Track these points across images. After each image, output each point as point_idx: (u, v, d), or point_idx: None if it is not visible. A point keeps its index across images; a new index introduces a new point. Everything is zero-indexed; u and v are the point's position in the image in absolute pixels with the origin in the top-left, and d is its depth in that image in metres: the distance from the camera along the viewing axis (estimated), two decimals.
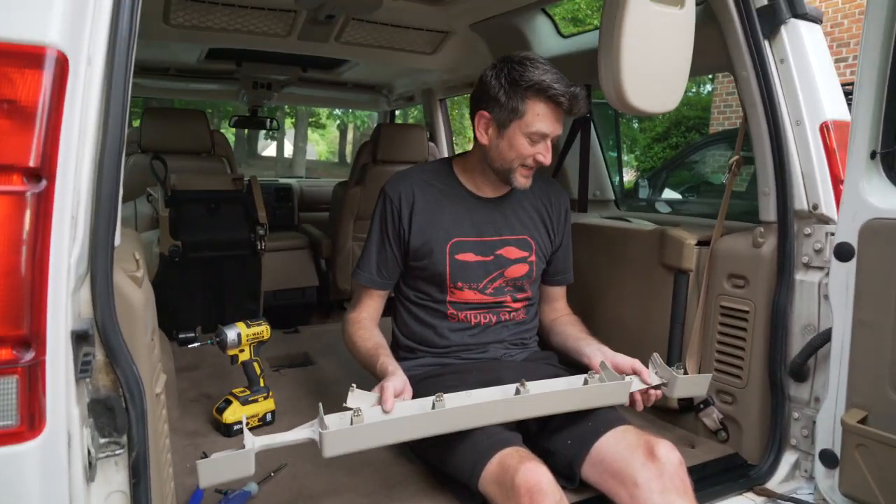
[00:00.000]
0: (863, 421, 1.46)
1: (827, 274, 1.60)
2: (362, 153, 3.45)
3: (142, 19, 2.62)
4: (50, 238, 0.82)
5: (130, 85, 0.95)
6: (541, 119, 1.55)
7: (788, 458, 1.72)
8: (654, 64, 1.54)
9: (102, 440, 0.94)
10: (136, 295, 1.03)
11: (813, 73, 1.62)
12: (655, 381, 1.55)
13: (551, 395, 1.45)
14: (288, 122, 18.61)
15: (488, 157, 1.65)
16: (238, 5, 2.45)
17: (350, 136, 22.04)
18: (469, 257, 1.69)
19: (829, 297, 1.55)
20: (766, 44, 1.65)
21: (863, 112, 1.42)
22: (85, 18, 0.87)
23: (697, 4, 1.80)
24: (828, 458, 1.56)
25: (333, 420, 1.28)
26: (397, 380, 1.43)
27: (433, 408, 1.33)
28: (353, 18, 2.65)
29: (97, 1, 0.89)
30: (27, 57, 0.80)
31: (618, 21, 1.50)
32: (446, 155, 4.15)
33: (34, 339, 0.82)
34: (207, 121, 3.45)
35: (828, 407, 1.56)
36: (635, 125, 13.00)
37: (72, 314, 0.87)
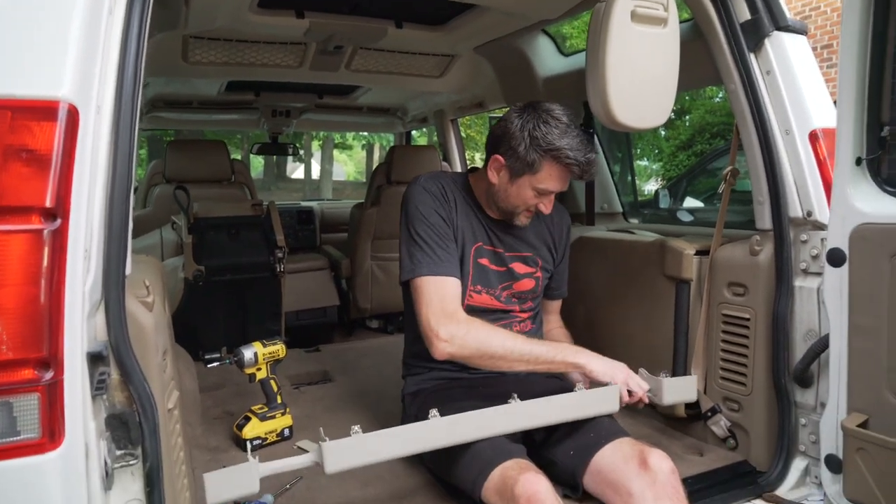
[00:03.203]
0: (863, 425, 1.46)
1: None
2: (377, 175, 3.55)
3: (162, 59, 2.77)
4: (65, 270, 0.92)
5: (137, 128, 1.04)
6: (552, 179, 1.60)
7: (798, 465, 1.72)
8: (640, 82, 1.59)
9: (118, 451, 1.03)
10: (146, 319, 1.12)
11: (799, 84, 1.65)
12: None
13: (540, 406, 1.49)
14: (315, 144, 18.94)
15: (494, 196, 1.69)
16: (250, 41, 2.58)
17: (376, 155, 22.31)
18: (486, 263, 1.74)
19: (825, 303, 1.57)
20: (752, 57, 1.69)
21: (846, 119, 1.43)
22: (93, 72, 0.97)
23: (684, 21, 1.85)
24: (832, 463, 1.56)
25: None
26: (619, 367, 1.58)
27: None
28: (361, 48, 2.76)
29: (105, 55, 0.99)
30: (42, 111, 0.90)
31: (602, 43, 1.56)
32: None
33: (52, 360, 0.91)
34: (227, 150, 3.60)
35: (830, 412, 1.57)
36: (662, 133, 12.91)
37: (87, 337, 0.96)
